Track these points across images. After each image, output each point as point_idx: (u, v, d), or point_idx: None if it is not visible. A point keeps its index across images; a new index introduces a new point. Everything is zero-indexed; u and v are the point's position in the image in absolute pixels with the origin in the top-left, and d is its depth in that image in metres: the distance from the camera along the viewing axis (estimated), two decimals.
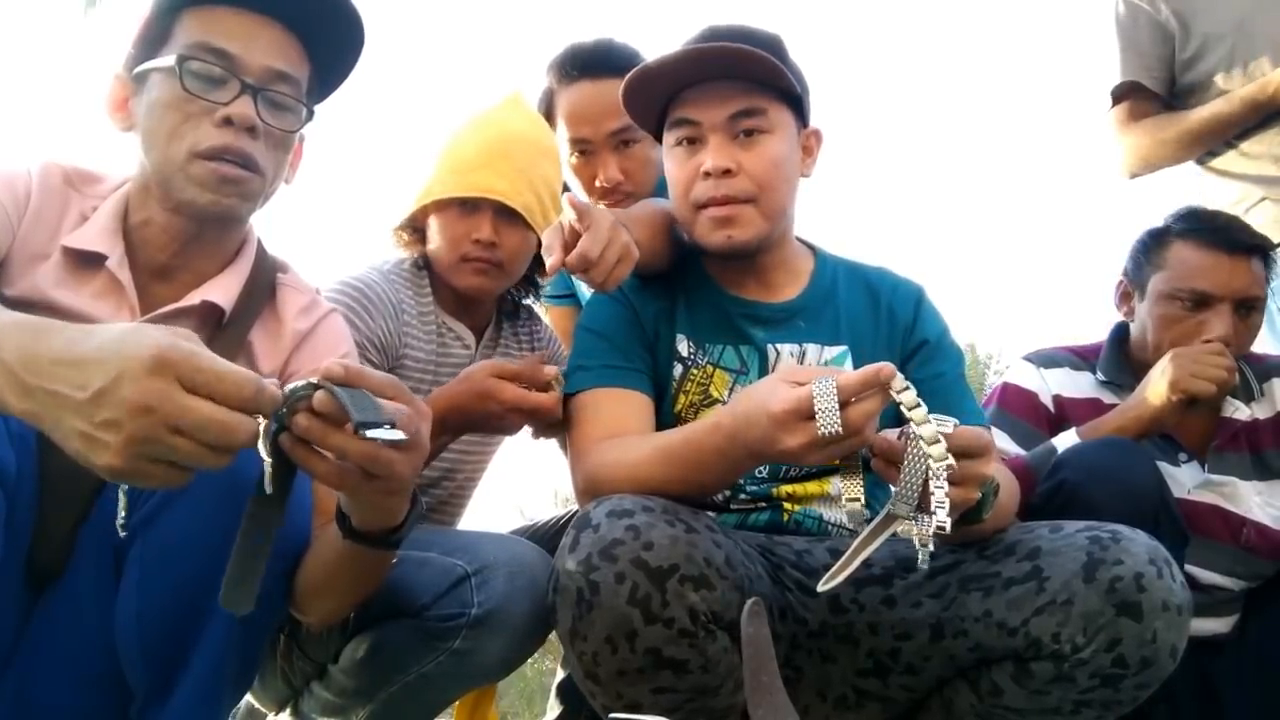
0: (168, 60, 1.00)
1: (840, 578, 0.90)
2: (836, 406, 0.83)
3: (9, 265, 1.00)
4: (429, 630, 1.08)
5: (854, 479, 0.92)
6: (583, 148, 1.66)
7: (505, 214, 1.40)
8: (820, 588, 0.91)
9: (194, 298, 1.06)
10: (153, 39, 1.04)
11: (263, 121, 1.02)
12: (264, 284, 1.15)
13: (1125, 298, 1.62)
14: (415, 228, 1.48)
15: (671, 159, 1.25)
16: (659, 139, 1.31)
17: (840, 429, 0.83)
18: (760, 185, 1.20)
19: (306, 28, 1.06)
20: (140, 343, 0.63)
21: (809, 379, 0.87)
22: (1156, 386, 1.40)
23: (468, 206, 1.41)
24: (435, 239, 1.45)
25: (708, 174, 1.19)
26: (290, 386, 0.69)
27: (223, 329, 1.08)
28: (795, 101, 1.24)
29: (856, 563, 0.90)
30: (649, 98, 1.25)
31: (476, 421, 1.31)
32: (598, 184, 1.65)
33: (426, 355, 1.46)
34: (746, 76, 1.19)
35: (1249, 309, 1.49)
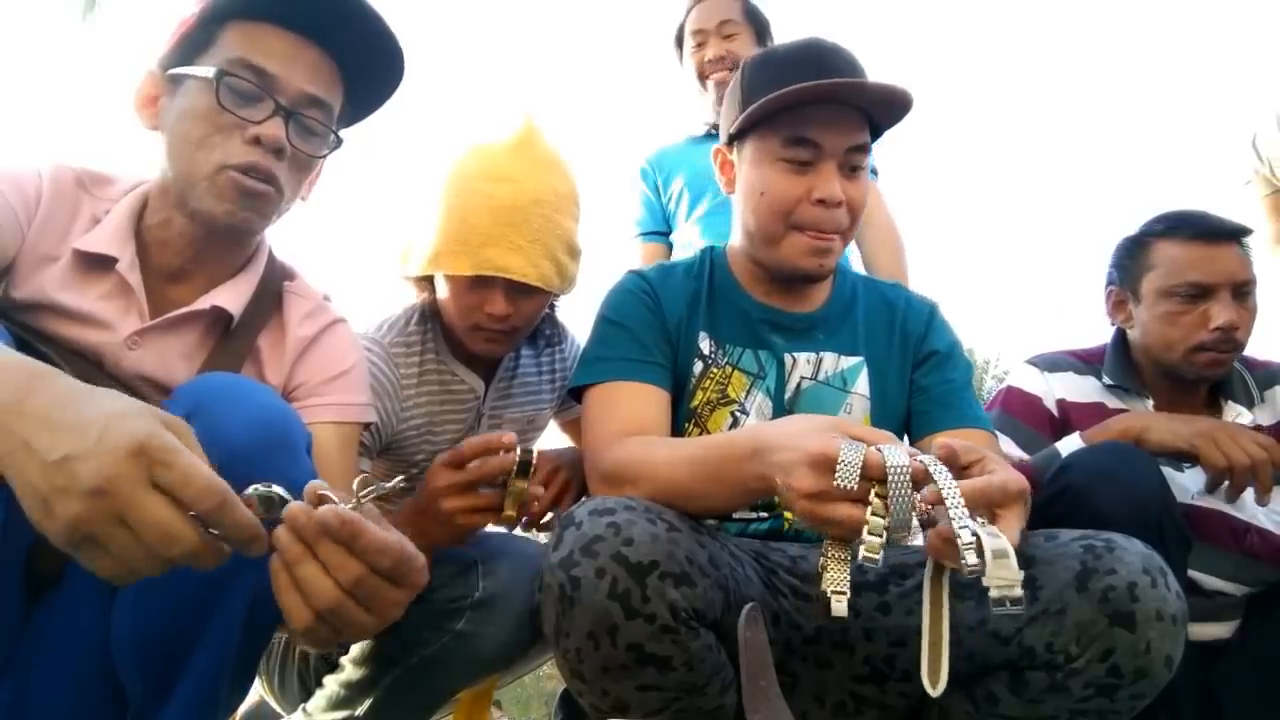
0: (206, 71, 1.00)
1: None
2: (859, 467, 0.81)
3: (18, 268, 1.01)
4: (435, 610, 1.10)
5: (841, 569, 0.86)
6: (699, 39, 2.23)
7: (519, 285, 1.33)
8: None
9: (204, 302, 1.06)
10: (194, 44, 1.03)
11: (291, 145, 1.03)
12: (272, 291, 1.15)
13: (1119, 306, 1.62)
14: (425, 277, 1.43)
15: (775, 171, 1.22)
16: (732, 140, 1.29)
17: (855, 486, 0.81)
18: (854, 219, 1.24)
19: (347, 55, 1.07)
20: (125, 425, 0.59)
21: (861, 437, 0.85)
22: (1181, 429, 1.36)
23: (479, 280, 1.32)
24: (445, 302, 1.39)
25: (820, 201, 1.19)
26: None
27: (231, 334, 1.09)
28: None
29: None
30: (769, 107, 1.20)
31: (436, 537, 1.09)
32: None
33: (424, 419, 1.44)
34: (864, 109, 1.20)
35: (1245, 293, 1.50)
